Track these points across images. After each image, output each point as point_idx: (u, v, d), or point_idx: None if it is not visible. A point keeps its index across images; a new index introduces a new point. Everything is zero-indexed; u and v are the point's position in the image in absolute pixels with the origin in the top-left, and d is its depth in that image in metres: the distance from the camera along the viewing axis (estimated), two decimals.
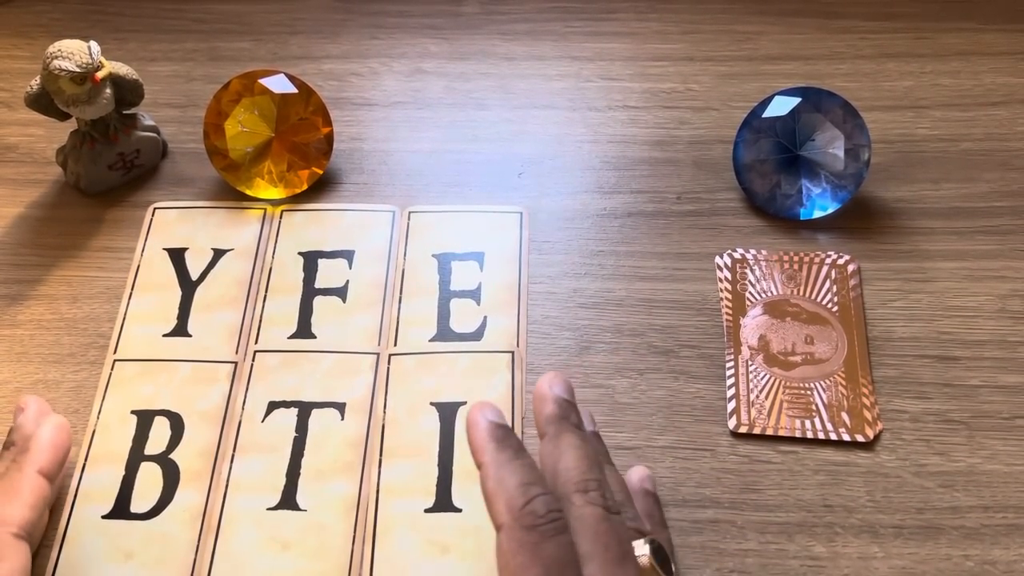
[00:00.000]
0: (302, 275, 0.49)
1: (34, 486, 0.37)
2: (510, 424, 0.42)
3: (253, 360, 0.46)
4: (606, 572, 0.31)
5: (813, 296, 0.47)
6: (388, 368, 0.45)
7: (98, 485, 0.42)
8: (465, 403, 0.44)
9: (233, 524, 0.41)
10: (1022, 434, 0.42)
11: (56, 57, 0.47)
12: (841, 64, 0.58)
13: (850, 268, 0.48)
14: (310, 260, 0.50)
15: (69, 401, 0.45)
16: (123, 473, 0.42)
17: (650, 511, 0.39)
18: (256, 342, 0.46)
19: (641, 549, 0.33)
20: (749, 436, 0.43)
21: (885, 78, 0.58)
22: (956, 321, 0.46)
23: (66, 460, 0.40)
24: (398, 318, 0.47)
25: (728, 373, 0.45)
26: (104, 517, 0.41)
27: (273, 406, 0.44)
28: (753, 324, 0.46)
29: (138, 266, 0.50)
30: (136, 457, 0.43)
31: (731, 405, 0.43)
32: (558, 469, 0.32)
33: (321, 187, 0.53)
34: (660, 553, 0.33)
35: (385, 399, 0.44)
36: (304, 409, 0.44)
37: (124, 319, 0.47)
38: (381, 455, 0.43)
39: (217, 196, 0.53)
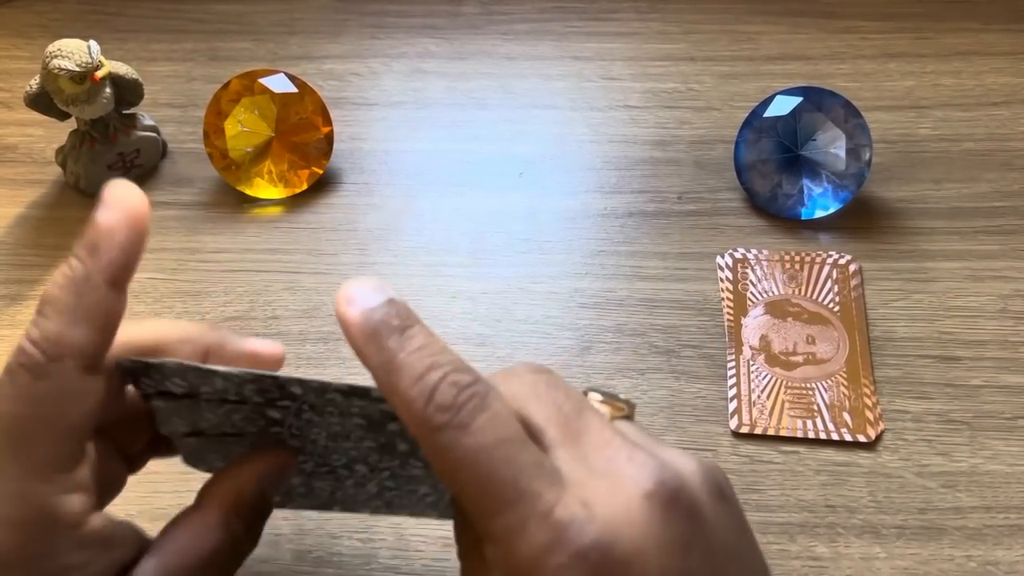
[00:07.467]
0: None
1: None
2: None
3: None
4: (568, 431, 0.26)
5: (814, 296, 0.47)
6: None
7: None
8: None
9: None
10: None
11: (56, 56, 0.47)
12: (842, 64, 0.58)
13: (851, 268, 0.48)
14: None
15: None
16: None
17: None
18: None
19: (593, 396, 0.29)
20: (750, 436, 0.42)
21: (886, 78, 0.57)
22: (958, 321, 0.46)
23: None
24: None
25: (729, 373, 0.44)
26: None
27: None
28: (754, 324, 0.46)
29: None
30: None
31: (732, 405, 0.43)
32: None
33: (321, 187, 0.53)
34: (606, 393, 0.29)
35: None
36: None
37: None
38: None
39: (217, 196, 0.53)
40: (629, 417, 0.30)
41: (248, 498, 0.30)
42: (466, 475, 0.24)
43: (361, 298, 0.26)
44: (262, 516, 0.31)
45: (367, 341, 0.25)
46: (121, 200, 0.27)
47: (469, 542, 0.27)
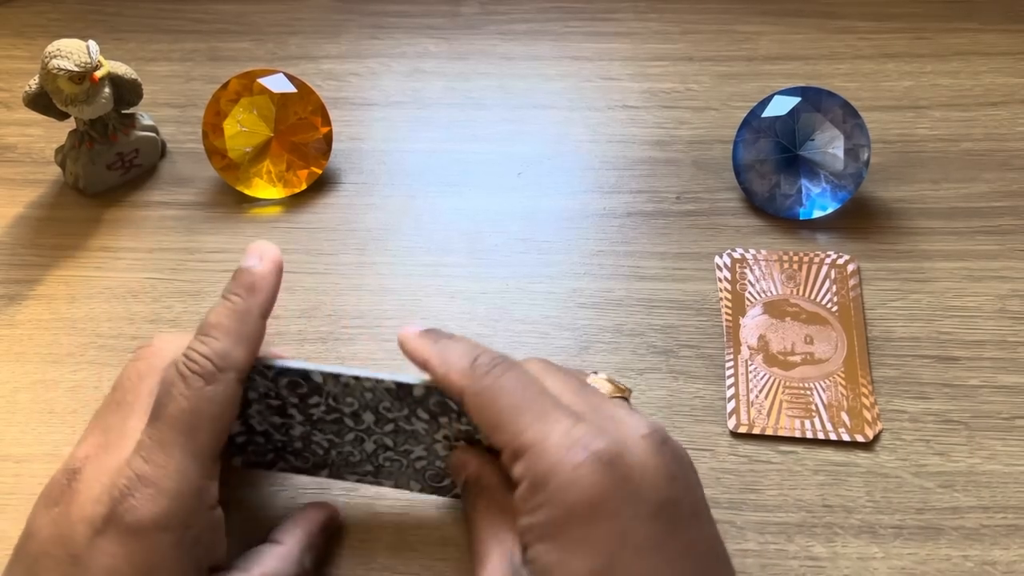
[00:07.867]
0: None
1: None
2: None
3: None
4: (578, 396, 0.33)
5: (813, 296, 0.47)
6: None
7: None
8: None
9: None
10: (1022, 434, 0.42)
11: (55, 56, 0.47)
12: (841, 64, 0.58)
13: (850, 268, 0.48)
14: None
15: (68, 401, 0.44)
16: None
17: None
18: None
19: (594, 378, 0.37)
20: (749, 436, 0.42)
21: (885, 78, 0.58)
22: (956, 321, 0.46)
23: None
24: None
25: (728, 373, 0.44)
26: None
27: None
28: (753, 324, 0.46)
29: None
30: None
31: (731, 405, 0.43)
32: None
33: (320, 187, 0.53)
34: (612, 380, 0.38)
35: None
36: None
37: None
38: None
39: (216, 196, 0.53)
40: (626, 400, 0.37)
41: (314, 540, 0.37)
42: (505, 400, 0.32)
43: (412, 327, 0.35)
44: (325, 550, 0.38)
45: (421, 340, 0.35)
46: (267, 253, 0.36)
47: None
